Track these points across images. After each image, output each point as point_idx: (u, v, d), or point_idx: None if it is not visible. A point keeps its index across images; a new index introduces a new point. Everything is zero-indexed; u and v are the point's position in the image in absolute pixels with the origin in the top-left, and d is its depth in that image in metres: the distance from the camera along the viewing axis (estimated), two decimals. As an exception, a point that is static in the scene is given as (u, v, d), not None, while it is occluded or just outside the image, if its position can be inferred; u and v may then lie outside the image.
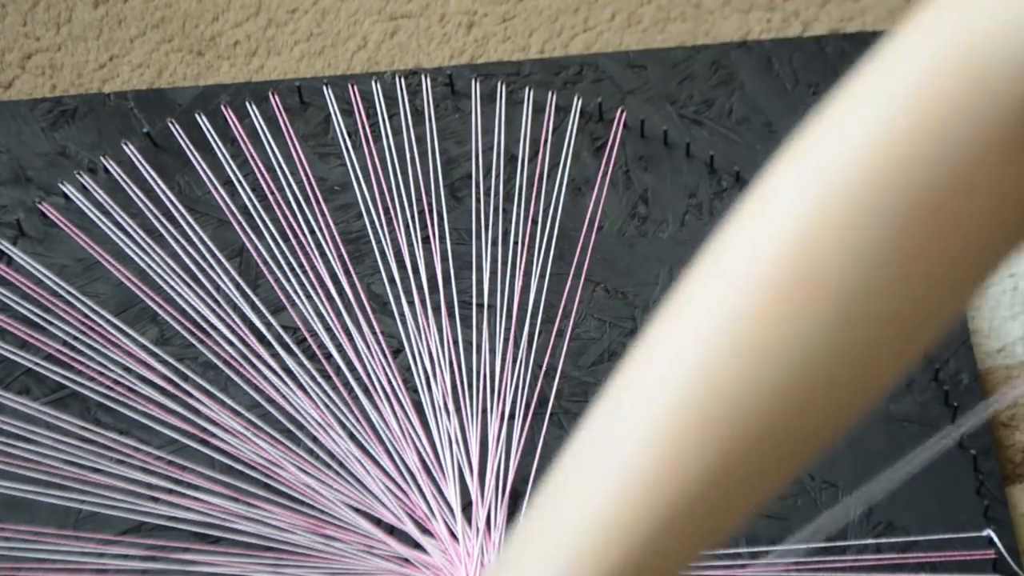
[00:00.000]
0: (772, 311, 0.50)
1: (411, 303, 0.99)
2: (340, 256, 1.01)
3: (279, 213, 1.02)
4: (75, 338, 0.98)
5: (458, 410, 0.96)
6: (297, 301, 0.99)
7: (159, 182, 1.03)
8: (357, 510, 0.94)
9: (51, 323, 0.98)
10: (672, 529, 0.51)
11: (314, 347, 0.98)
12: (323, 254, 1.01)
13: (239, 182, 1.03)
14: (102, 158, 1.03)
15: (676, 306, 0.52)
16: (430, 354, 0.98)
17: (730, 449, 0.50)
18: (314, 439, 0.95)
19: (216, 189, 1.03)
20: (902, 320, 0.51)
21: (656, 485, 0.51)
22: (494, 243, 1.01)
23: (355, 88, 1.06)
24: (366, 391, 0.97)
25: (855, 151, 0.49)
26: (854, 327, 0.50)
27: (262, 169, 1.03)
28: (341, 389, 0.97)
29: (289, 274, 1.00)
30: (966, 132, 0.49)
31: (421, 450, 0.95)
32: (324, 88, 1.06)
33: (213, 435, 0.95)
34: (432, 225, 1.02)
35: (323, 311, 0.99)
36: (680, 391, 0.50)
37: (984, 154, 0.49)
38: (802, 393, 0.50)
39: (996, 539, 0.92)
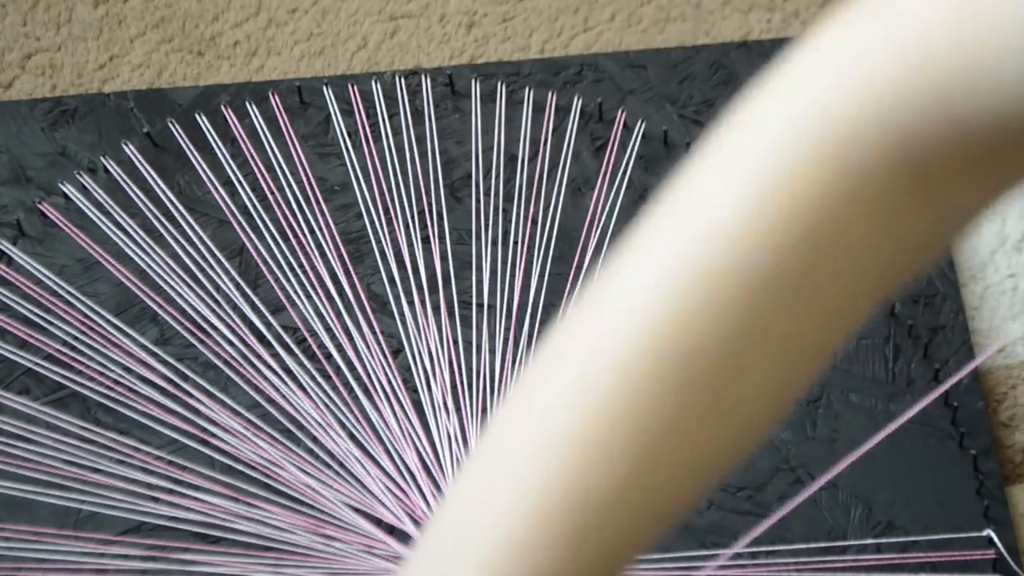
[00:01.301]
0: (630, 387, 0.48)
1: (411, 303, 0.99)
2: (340, 256, 1.01)
3: (279, 213, 1.02)
4: (75, 338, 0.98)
5: (458, 410, 0.96)
6: (297, 301, 0.99)
7: (159, 182, 1.03)
8: (357, 510, 0.94)
9: (51, 323, 0.98)
10: None
11: (314, 347, 0.98)
12: (323, 254, 1.01)
13: (239, 182, 1.03)
14: (102, 158, 1.03)
15: (540, 369, 0.51)
16: (430, 354, 0.98)
17: (591, 524, 0.49)
18: (314, 439, 0.95)
19: (216, 189, 1.03)
20: (765, 384, 0.50)
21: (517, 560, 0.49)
22: (494, 243, 1.01)
23: (355, 88, 1.06)
24: (366, 391, 0.97)
25: (717, 216, 0.48)
26: (729, 397, 0.49)
27: (262, 169, 1.03)
28: (341, 389, 0.97)
29: (289, 274, 1.00)
30: (833, 203, 0.47)
31: (421, 450, 0.95)
32: (324, 88, 1.06)
33: (213, 435, 0.95)
34: (432, 225, 1.02)
35: (323, 311, 0.99)
36: (536, 473, 0.49)
37: (850, 217, 0.47)
38: (664, 464, 0.49)
39: (996, 539, 0.92)
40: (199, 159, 1.04)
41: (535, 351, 0.51)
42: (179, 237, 1.01)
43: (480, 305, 1.00)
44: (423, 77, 1.07)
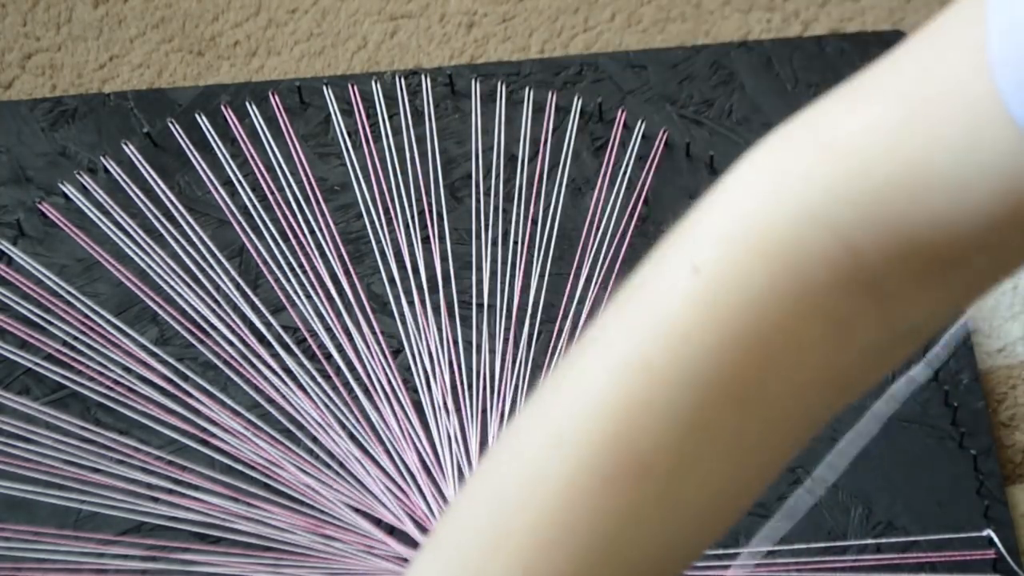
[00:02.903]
0: (579, 486, 0.48)
1: (411, 303, 0.99)
2: (340, 256, 1.01)
3: (279, 213, 1.02)
4: (75, 338, 0.98)
5: (458, 410, 0.96)
6: (297, 301, 0.99)
7: (159, 182, 1.03)
8: (357, 510, 0.94)
9: (51, 323, 0.98)
10: None
11: (314, 347, 0.98)
12: (323, 254, 1.01)
13: (239, 182, 1.03)
14: (102, 158, 1.03)
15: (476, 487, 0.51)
16: (430, 354, 0.98)
17: None
18: (314, 439, 0.95)
19: (216, 189, 1.03)
20: (727, 486, 0.50)
21: None
22: (494, 243, 1.01)
23: (355, 88, 1.06)
24: (366, 391, 0.97)
25: (669, 332, 0.48)
26: (680, 499, 0.49)
27: (262, 169, 1.03)
28: (341, 389, 0.97)
29: (289, 274, 1.00)
30: (778, 315, 0.47)
31: (421, 450, 0.95)
32: (324, 88, 1.06)
33: (213, 435, 0.95)
34: (432, 225, 1.02)
35: (323, 311, 0.99)
36: None
37: (799, 324, 0.48)
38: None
39: (996, 539, 0.92)
40: (199, 159, 1.04)
41: (494, 442, 0.52)
42: (179, 237, 1.01)
43: (480, 305, 1.00)
44: (423, 77, 1.07)
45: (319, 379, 0.97)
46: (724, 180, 0.49)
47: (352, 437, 0.96)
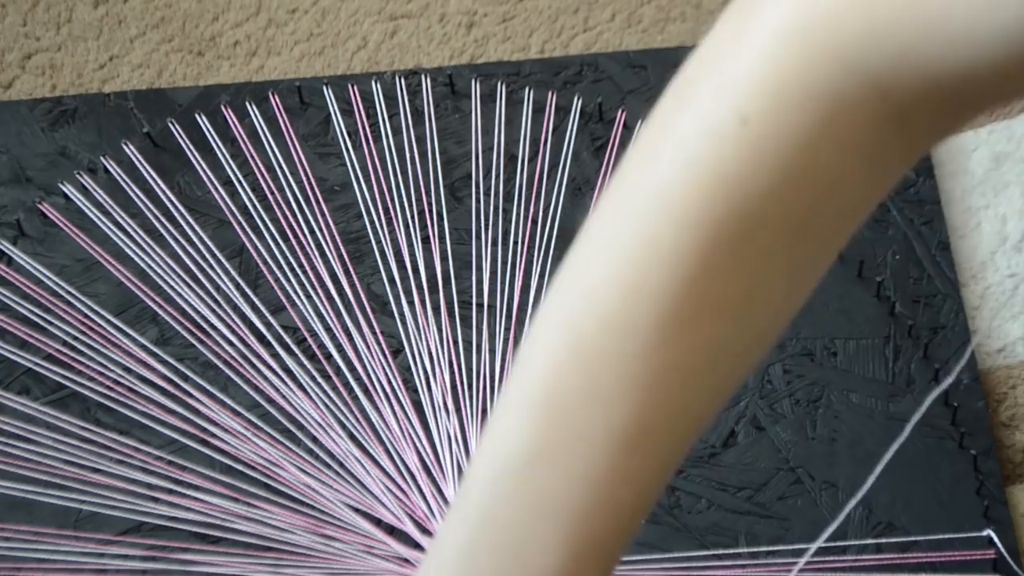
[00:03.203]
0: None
1: (411, 303, 0.99)
2: (340, 256, 1.01)
3: (279, 213, 1.02)
4: (75, 338, 0.98)
5: (458, 410, 0.96)
6: (297, 301, 0.99)
7: (159, 182, 1.03)
8: (357, 510, 0.94)
9: (51, 323, 0.98)
10: None
11: (314, 347, 0.98)
12: (323, 254, 1.01)
13: (239, 182, 1.03)
14: (102, 158, 1.03)
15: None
16: (430, 354, 0.98)
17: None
18: (314, 439, 0.95)
19: (216, 189, 1.03)
20: (773, 309, 0.54)
21: None
22: (494, 243, 1.01)
23: (355, 88, 1.06)
24: (366, 391, 0.97)
25: (723, 170, 0.51)
26: (741, 320, 0.53)
27: (262, 169, 1.03)
28: (341, 389, 0.97)
29: (289, 274, 1.00)
30: (825, 156, 0.51)
31: (421, 450, 0.95)
32: (324, 88, 1.06)
33: (213, 435, 0.95)
34: (432, 225, 1.02)
35: (323, 311, 0.99)
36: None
37: (841, 173, 0.52)
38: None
39: (996, 539, 0.92)
40: (199, 159, 1.04)
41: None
42: (179, 237, 1.01)
43: (480, 305, 1.00)
44: (423, 77, 1.07)
45: (319, 379, 0.97)
46: (750, 16, 0.52)
47: (352, 437, 0.96)
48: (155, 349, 0.97)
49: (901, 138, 0.52)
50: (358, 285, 1.00)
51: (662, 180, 0.52)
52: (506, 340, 0.98)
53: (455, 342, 0.98)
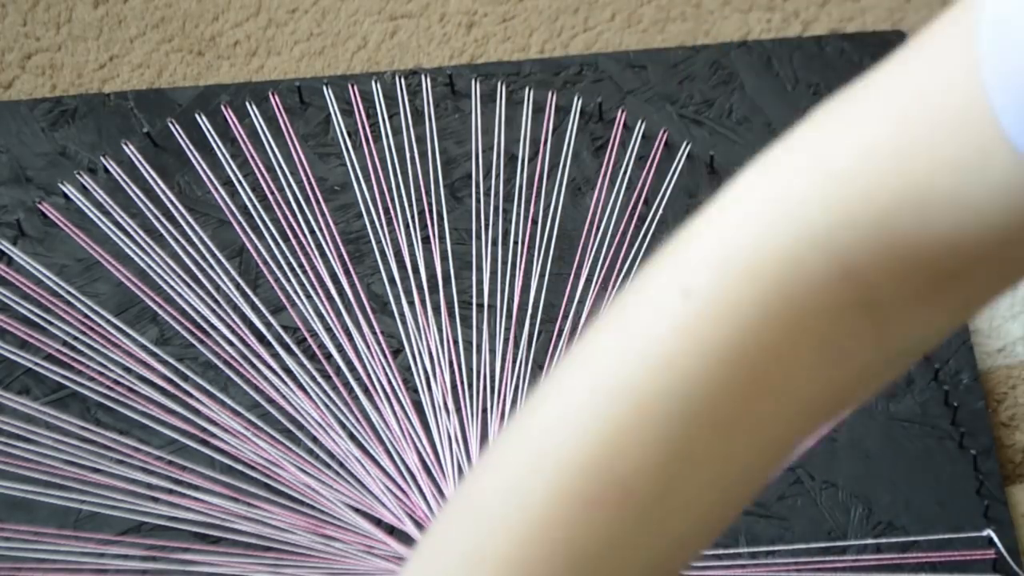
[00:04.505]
0: (562, 506, 0.48)
1: (411, 303, 0.99)
2: (340, 256, 1.01)
3: (279, 213, 1.02)
4: (75, 338, 0.98)
5: (458, 410, 0.96)
6: (297, 301, 0.99)
7: (159, 182, 1.03)
8: (357, 510, 0.94)
9: (51, 323, 0.98)
10: None
11: (314, 347, 0.98)
12: (323, 254, 1.01)
13: (239, 182, 1.03)
14: (102, 158, 1.03)
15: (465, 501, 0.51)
16: (430, 354, 0.98)
17: None
18: (314, 439, 0.95)
19: (216, 189, 1.03)
20: (714, 507, 0.49)
21: None
22: (494, 243, 1.01)
23: (355, 88, 1.06)
24: (366, 391, 0.97)
25: (652, 337, 0.47)
26: (663, 526, 0.48)
27: (262, 169, 1.03)
28: (341, 389, 0.97)
29: (289, 274, 1.00)
30: (772, 337, 0.47)
31: (421, 450, 0.95)
32: (324, 88, 1.06)
33: (213, 435, 0.95)
34: (432, 225, 1.02)
35: (323, 311, 0.99)
36: None
37: (792, 358, 0.47)
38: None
39: (996, 539, 0.92)
40: (199, 159, 1.04)
41: (477, 461, 0.52)
42: (179, 237, 1.01)
43: (480, 305, 1.00)
44: (423, 77, 1.07)
45: (319, 379, 0.97)
46: (716, 201, 0.48)
47: (352, 437, 0.96)
48: (155, 349, 0.97)
49: (870, 326, 0.47)
50: (358, 285, 1.00)
51: (601, 348, 0.49)
52: (506, 340, 0.98)
53: (455, 342, 0.98)
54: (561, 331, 0.99)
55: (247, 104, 1.05)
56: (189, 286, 0.99)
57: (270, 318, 0.99)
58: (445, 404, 0.96)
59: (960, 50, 0.44)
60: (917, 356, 0.51)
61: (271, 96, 1.06)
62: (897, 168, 0.45)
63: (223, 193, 1.02)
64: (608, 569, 0.48)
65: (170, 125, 1.05)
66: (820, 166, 0.46)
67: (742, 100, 1.06)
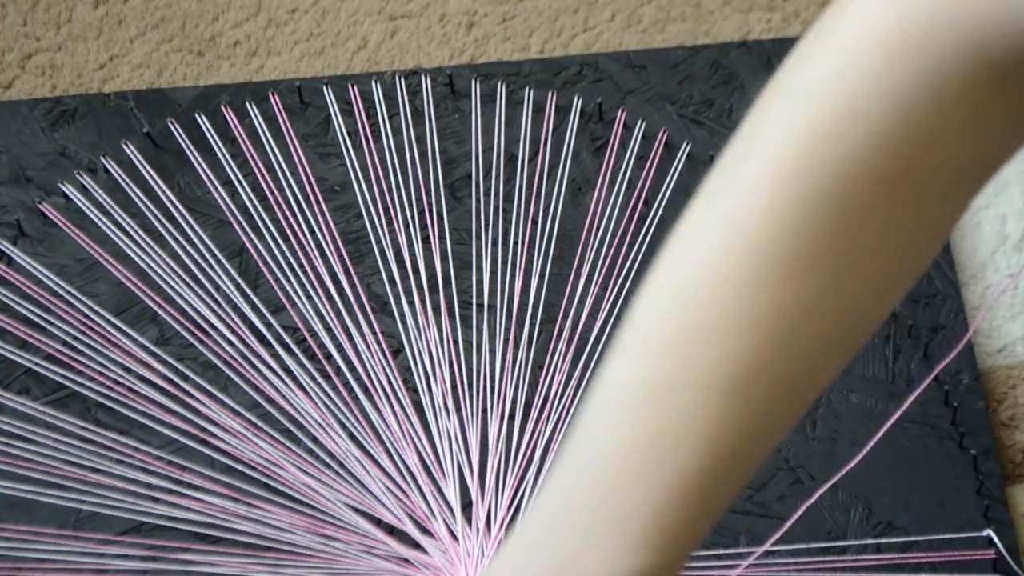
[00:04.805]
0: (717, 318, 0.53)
1: (411, 303, 0.99)
2: (340, 256, 1.01)
3: (279, 213, 1.02)
4: (75, 338, 0.98)
5: (458, 410, 0.96)
6: (297, 301, 0.99)
7: (159, 182, 1.03)
8: (357, 510, 0.94)
9: (51, 323, 0.98)
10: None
11: (314, 347, 0.98)
12: (323, 254, 1.01)
13: (239, 182, 1.03)
14: (102, 158, 1.03)
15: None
16: (430, 354, 0.98)
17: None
18: (314, 439, 0.95)
19: (216, 189, 1.03)
20: (889, 270, 0.54)
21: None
22: (494, 243, 1.01)
23: (355, 88, 1.06)
24: (366, 391, 0.97)
25: (825, 126, 0.52)
26: (848, 282, 0.53)
27: (262, 169, 1.03)
28: (341, 389, 0.97)
29: (289, 274, 1.00)
30: (927, 110, 0.51)
31: (421, 450, 0.95)
32: (324, 88, 1.06)
33: (213, 435, 0.95)
34: (432, 225, 1.02)
35: (323, 311, 0.99)
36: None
37: (943, 130, 0.51)
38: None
39: (996, 539, 0.92)
40: (199, 159, 1.04)
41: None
42: (179, 237, 1.01)
43: (480, 305, 1.00)
44: (423, 77, 1.07)
45: (319, 379, 0.97)
46: None
47: (352, 437, 0.96)
48: (155, 349, 0.97)
49: (1007, 103, 0.51)
50: (358, 285, 1.00)
51: (764, 136, 0.53)
52: (506, 340, 0.98)
53: (455, 342, 0.98)
54: (561, 331, 0.99)
55: (247, 104, 1.05)
56: (189, 286, 0.99)
57: (270, 318, 0.99)
58: (445, 404, 0.96)
59: None
60: None
61: (271, 96, 1.06)
62: None
63: (223, 193, 1.02)
64: (805, 333, 0.53)
65: (170, 125, 1.05)
66: None
67: (742, 100, 1.06)
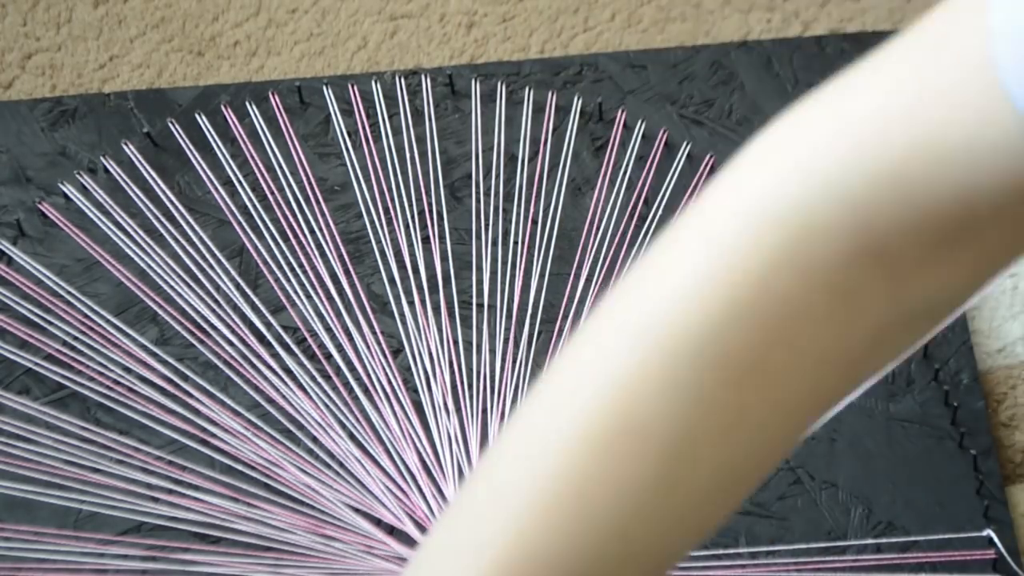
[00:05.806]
0: (592, 467, 0.48)
1: (411, 303, 0.99)
2: (340, 256, 1.01)
3: (279, 213, 1.02)
4: (75, 338, 0.98)
5: (458, 410, 0.96)
6: (297, 301, 0.99)
7: (159, 182, 1.03)
8: (357, 510, 0.94)
9: (51, 323, 0.98)
10: None
11: (314, 347, 0.98)
12: (323, 254, 1.01)
13: (239, 182, 1.03)
14: (102, 158, 1.03)
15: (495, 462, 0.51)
16: (430, 354, 0.98)
17: None
18: (314, 439, 0.95)
19: (216, 189, 1.03)
20: (728, 467, 0.50)
21: None
22: (494, 243, 1.01)
23: (355, 88, 1.06)
24: (366, 391, 0.97)
25: (676, 302, 0.48)
26: (679, 476, 0.49)
27: (262, 169, 1.03)
28: (341, 389, 0.97)
29: (289, 274, 1.00)
30: (786, 286, 0.47)
31: (421, 450, 0.95)
32: (324, 88, 1.06)
33: (213, 435, 0.95)
34: (432, 225, 1.02)
35: (323, 311, 0.99)
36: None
37: (805, 308, 0.48)
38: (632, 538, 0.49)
39: (996, 539, 0.92)
40: (199, 159, 1.04)
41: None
42: (179, 237, 1.01)
43: (480, 305, 1.00)
44: (423, 77, 1.07)
45: (319, 379, 0.97)
46: (740, 155, 0.50)
47: (352, 437, 0.96)
48: (155, 349, 0.97)
49: (884, 280, 0.48)
50: (358, 285, 1.00)
51: (628, 299, 0.50)
52: (506, 340, 0.98)
53: (455, 342, 0.98)
54: (561, 331, 0.99)
55: (247, 104, 1.05)
56: (189, 286, 0.99)
57: (270, 318, 0.99)
58: (445, 404, 0.96)
59: (968, 20, 0.45)
60: (931, 323, 0.51)
61: (271, 96, 1.06)
62: (911, 121, 0.46)
63: (223, 193, 1.02)
64: (628, 521, 0.49)
65: (170, 125, 1.05)
66: (837, 118, 0.47)
67: (742, 100, 1.06)
